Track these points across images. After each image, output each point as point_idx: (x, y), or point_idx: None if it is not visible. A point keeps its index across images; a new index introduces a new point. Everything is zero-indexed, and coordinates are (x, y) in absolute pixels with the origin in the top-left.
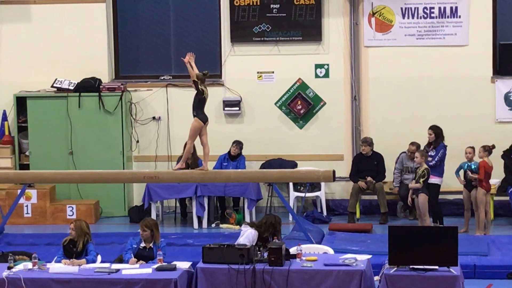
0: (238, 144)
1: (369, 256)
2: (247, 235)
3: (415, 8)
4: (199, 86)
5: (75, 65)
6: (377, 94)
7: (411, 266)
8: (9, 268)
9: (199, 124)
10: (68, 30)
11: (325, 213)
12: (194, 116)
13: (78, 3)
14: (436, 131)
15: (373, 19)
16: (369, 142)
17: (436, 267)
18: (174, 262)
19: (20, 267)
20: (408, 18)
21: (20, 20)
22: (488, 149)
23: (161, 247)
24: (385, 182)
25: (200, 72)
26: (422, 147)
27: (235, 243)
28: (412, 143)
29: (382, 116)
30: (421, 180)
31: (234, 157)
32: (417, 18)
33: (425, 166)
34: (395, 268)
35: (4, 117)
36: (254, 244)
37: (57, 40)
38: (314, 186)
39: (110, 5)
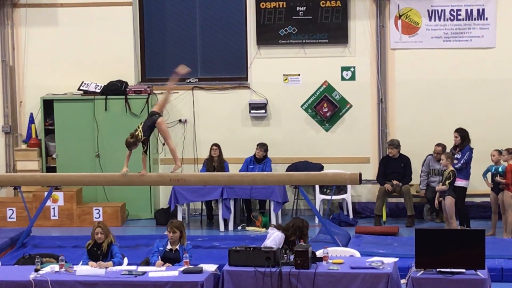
0: (262, 146)
1: (396, 259)
2: (274, 238)
3: (441, 10)
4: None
5: (101, 68)
6: (403, 96)
7: (438, 269)
8: (36, 270)
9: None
10: (95, 33)
11: (351, 216)
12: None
13: (105, 6)
14: (462, 133)
15: (399, 21)
16: (396, 144)
17: (463, 270)
18: (201, 265)
19: (47, 269)
20: (435, 20)
21: (47, 23)
22: None
23: (187, 249)
24: (411, 184)
25: (131, 140)
26: (448, 150)
27: (262, 246)
28: (438, 144)
29: (409, 118)
30: (447, 182)
31: (260, 160)
32: (444, 20)
33: (451, 168)
34: (422, 271)
35: (31, 120)
36: (280, 247)
37: (84, 43)
38: (340, 188)
39: (136, 8)
